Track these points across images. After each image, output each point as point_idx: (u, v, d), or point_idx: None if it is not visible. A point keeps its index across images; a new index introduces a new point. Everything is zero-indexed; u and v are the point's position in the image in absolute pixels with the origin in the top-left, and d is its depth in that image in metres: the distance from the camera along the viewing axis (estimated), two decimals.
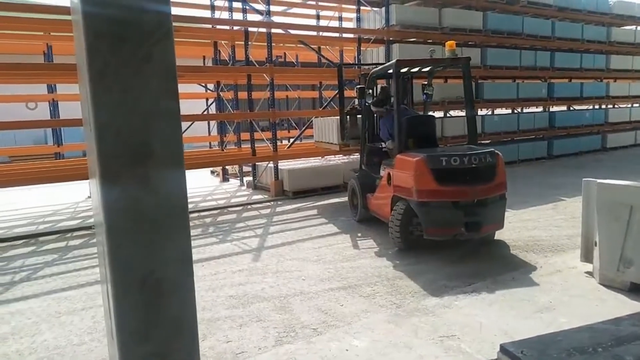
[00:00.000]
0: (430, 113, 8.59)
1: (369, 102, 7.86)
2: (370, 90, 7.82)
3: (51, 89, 12.88)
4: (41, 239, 7.62)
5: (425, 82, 7.86)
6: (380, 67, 7.82)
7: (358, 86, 8.37)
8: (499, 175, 5.97)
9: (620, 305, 4.31)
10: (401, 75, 6.97)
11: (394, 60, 6.83)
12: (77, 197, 10.86)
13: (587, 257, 5.18)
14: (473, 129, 6.82)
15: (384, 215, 6.85)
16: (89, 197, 10.82)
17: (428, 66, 7.41)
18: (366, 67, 10.87)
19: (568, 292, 4.66)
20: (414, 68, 7.38)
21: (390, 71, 7.05)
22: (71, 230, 8.03)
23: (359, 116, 8.55)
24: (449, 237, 5.94)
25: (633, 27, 18.16)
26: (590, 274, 5.05)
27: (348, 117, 8.73)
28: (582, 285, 4.83)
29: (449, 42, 6.69)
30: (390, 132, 7.16)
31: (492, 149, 6.15)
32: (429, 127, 7.18)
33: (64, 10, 8.97)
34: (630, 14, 17.44)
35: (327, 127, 9.99)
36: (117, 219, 1.68)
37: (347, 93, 12.50)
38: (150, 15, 1.60)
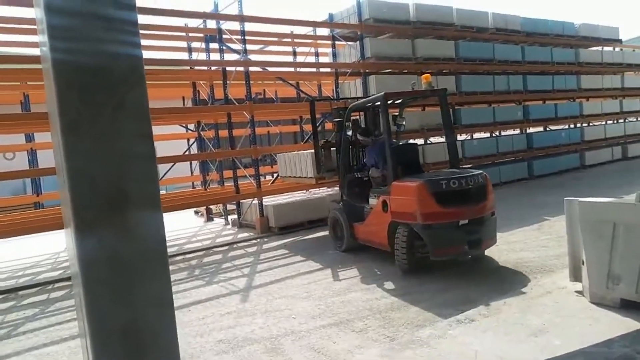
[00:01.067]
0: (412, 141, 8.77)
1: (349, 133, 7.98)
2: (349, 123, 8.01)
3: (29, 138, 12.78)
4: (21, 292, 7.37)
5: (396, 113, 8.04)
6: (364, 99, 8.04)
7: (336, 119, 8.53)
8: (489, 194, 6.42)
9: (613, 323, 4.28)
10: (387, 107, 7.18)
11: (382, 93, 7.05)
12: (58, 247, 10.59)
13: (575, 276, 5.17)
14: (454, 154, 7.22)
15: (378, 241, 7.00)
16: None
17: (411, 97, 7.71)
18: (341, 100, 11.03)
19: (560, 313, 4.63)
20: (396, 100, 7.62)
21: (378, 103, 7.38)
22: (52, 282, 7.80)
23: (333, 149, 8.71)
24: (454, 256, 6.31)
25: (599, 47, 18.83)
26: (580, 293, 5.03)
27: (322, 150, 8.84)
28: (573, 305, 4.81)
29: (424, 75, 7.05)
30: (376, 161, 7.32)
31: (481, 171, 6.53)
32: (413, 155, 7.54)
33: (39, 59, 8.99)
34: (595, 36, 18.12)
35: (296, 162, 10.11)
36: (94, 269, 1.63)
37: (327, 125, 12.67)
38: (122, 61, 1.59)
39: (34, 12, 1.76)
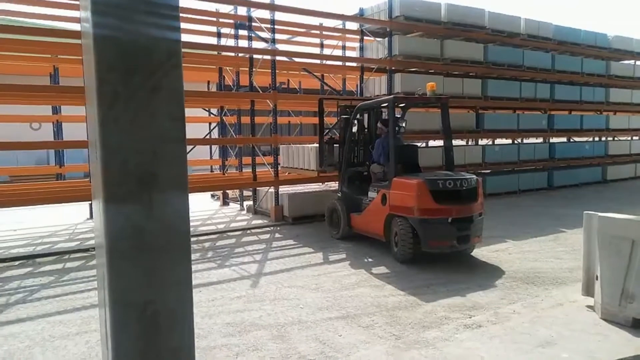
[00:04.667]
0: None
1: (355, 130, 8.69)
2: (356, 121, 8.69)
3: (56, 110, 13.00)
4: (39, 260, 7.56)
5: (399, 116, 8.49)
6: (373, 100, 8.68)
7: (343, 116, 9.05)
8: (479, 196, 7.05)
9: (623, 342, 4.24)
10: (395, 109, 7.77)
11: (391, 96, 7.88)
12: (76, 219, 10.83)
13: (588, 290, 5.12)
14: (450, 157, 7.88)
15: (374, 231, 7.64)
16: (88, 219, 10.79)
17: (418, 102, 8.42)
18: (346, 99, 11.10)
19: (569, 327, 4.60)
20: (400, 103, 8.31)
21: (385, 105, 8.11)
22: (69, 252, 7.98)
23: (335, 145, 9.27)
24: (445, 249, 6.84)
25: (631, 61, 18.41)
26: (591, 308, 4.99)
27: (326, 145, 9.33)
28: (583, 320, 4.77)
29: (430, 83, 7.54)
30: (382, 155, 7.84)
31: (473, 175, 7.20)
32: (413, 155, 8.15)
33: (71, 34, 9.13)
34: (629, 49, 17.71)
35: (299, 154, 10.65)
36: (120, 243, 1.67)
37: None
38: (162, 44, 1.62)
39: None
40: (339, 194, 8.74)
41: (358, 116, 8.77)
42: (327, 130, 11.83)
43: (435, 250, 6.87)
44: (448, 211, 6.65)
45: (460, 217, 6.70)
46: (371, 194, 7.79)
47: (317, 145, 9.42)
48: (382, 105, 8.44)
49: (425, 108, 12.40)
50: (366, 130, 9.10)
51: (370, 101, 8.68)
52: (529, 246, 7.91)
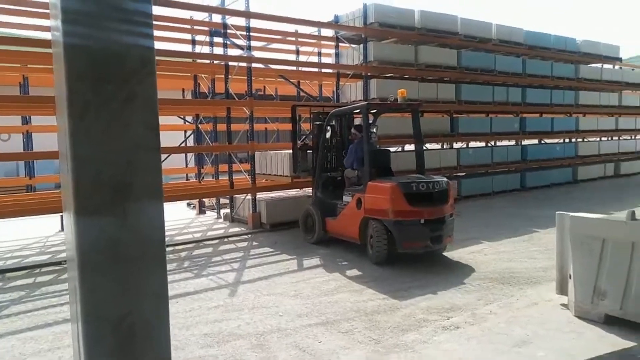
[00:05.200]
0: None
1: (328, 136, 8.90)
2: (329, 127, 8.85)
3: (26, 120, 12.68)
4: (8, 274, 7.32)
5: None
6: (347, 107, 8.98)
7: (316, 122, 9.20)
8: (450, 198, 7.30)
9: (597, 338, 4.35)
10: (368, 115, 7.98)
11: (365, 103, 8.27)
12: (47, 231, 10.55)
13: (562, 289, 5.23)
14: (421, 161, 8.12)
15: (349, 234, 7.78)
16: (60, 231, 10.53)
17: (390, 108, 8.75)
18: (318, 106, 11.17)
19: (544, 325, 4.69)
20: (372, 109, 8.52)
21: (357, 111, 8.46)
22: (40, 265, 7.76)
23: (309, 151, 9.40)
24: (419, 250, 7.04)
25: (599, 64, 18.98)
26: (565, 306, 5.10)
27: (300, 151, 9.46)
28: (558, 318, 4.87)
29: (400, 90, 7.78)
30: (355, 160, 8.03)
31: (444, 178, 7.44)
32: (386, 159, 8.34)
33: (41, 43, 8.94)
34: (596, 53, 18.26)
35: (272, 161, 10.78)
36: (92, 255, 1.64)
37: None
38: (135, 52, 1.60)
39: None
40: (314, 199, 8.87)
41: (332, 122, 8.92)
42: (303, 137, 11.84)
43: (410, 251, 7.07)
44: (421, 213, 6.87)
45: (432, 218, 6.92)
46: (346, 198, 7.93)
47: (291, 151, 9.48)
48: (355, 111, 8.63)
49: (399, 113, 12.55)
50: (339, 136, 9.22)
51: (344, 108, 8.86)
52: (503, 247, 8.04)
